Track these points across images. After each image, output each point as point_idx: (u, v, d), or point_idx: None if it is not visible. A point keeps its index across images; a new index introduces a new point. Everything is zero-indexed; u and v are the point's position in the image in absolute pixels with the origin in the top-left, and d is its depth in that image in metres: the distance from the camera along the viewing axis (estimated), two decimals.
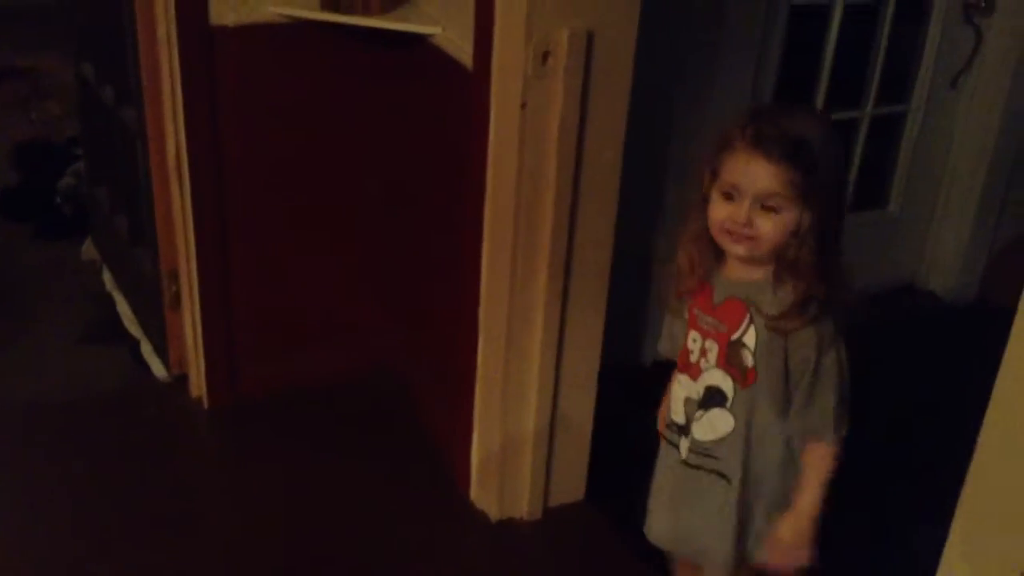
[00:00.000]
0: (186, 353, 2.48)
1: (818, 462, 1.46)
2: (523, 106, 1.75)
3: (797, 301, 1.39)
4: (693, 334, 1.51)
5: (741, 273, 1.45)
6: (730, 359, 1.45)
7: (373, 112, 2.31)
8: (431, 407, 2.39)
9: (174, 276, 2.41)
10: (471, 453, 2.14)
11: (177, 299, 2.43)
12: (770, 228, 1.37)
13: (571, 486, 2.18)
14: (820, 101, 2.70)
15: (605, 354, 2.07)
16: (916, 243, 3.11)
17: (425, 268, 2.36)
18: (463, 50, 1.90)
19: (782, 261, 1.40)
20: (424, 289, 2.38)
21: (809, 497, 1.47)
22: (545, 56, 1.72)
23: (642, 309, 2.62)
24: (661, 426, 1.63)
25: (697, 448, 1.52)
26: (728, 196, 1.39)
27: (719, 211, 1.41)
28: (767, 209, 1.37)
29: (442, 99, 2.12)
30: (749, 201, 1.37)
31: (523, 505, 2.13)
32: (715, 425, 1.49)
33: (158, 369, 2.56)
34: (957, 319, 3.05)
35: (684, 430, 1.54)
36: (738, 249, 1.41)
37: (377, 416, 2.46)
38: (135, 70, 2.27)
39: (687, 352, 1.52)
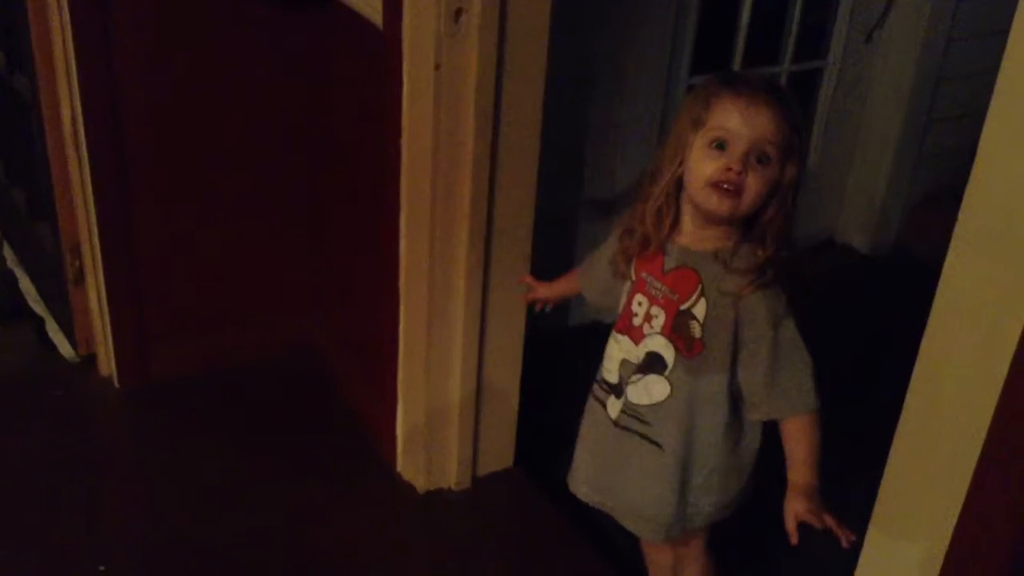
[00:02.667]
0: (93, 331, 2.38)
1: (808, 434, 1.40)
2: (437, 67, 1.69)
3: (753, 265, 1.35)
4: (639, 297, 1.46)
5: (696, 241, 1.41)
6: (676, 328, 1.42)
7: (282, 77, 2.22)
8: (353, 382, 2.34)
9: (76, 251, 2.31)
10: (396, 425, 2.10)
11: (81, 275, 2.33)
12: (757, 184, 1.32)
13: (500, 453, 2.15)
14: (739, 57, 2.68)
15: (530, 319, 2.04)
16: (834, 198, 3.15)
17: (342, 239, 2.30)
18: (373, 7, 1.82)
19: (754, 223, 1.36)
20: (342, 261, 2.32)
21: (809, 469, 1.39)
22: (458, 13, 1.66)
23: (566, 272, 2.60)
24: None
25: (629, 410, 1.49)
26: (719, 146, 1.33)
27: (707, 164, 1.33)
28: (759, 160, 1.32)
29: (353, 61, 2.05)
30: (744, 149, 1.31)
31: (451, 475, 2.10)
32: (650, 391, 1.46)
33: (65, 349, 2.46)
34: (875, 272, 3.10)
35: (615, 390, 1.51)
36: (723, 207, 1.34)
37: (297, 394, 2.39)
38: (25, 34, 2.14)
39: (630, 314, 1.48)
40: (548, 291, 1.82)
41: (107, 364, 2.37)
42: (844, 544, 1.27)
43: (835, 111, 2.96)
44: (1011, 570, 1.00)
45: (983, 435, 0.98)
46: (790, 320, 1.38)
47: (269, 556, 1.95)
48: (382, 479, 2.14)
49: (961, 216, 0.98)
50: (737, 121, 1.31)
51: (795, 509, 1.35)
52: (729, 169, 1.32)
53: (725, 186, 1.32)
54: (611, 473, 1.55)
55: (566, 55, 1.93)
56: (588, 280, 1.66)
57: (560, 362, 2.43)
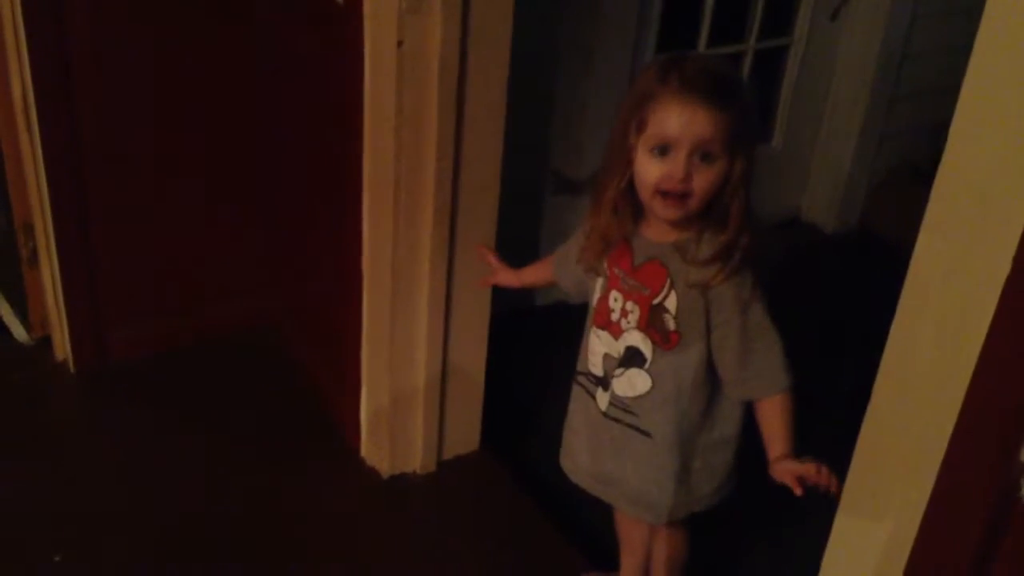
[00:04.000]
0: (48, 314, 2.32)
1: (783, 412, 1.40)
2: (399, 44, 1.65)
3: (718, 253, 1.33)
4: (614, 294, 1.45)
5: (659, 234, 1.39)
6: (651, 322, 1.41)
7: (241, 52, 2.17)
8: (316, 365, 2.30)
9: (29, 230, 2.25)
10: (360, 408, 2.07)
11: (34, 255, 2.27)
12: (705, 182, 1.30)
13: (465, 437, 2.13)
14: (704, 34, 2.67)
15: (496, 300, 2.02)
16: (799, 177, 3.15)
17: (303, 219, 2.25)
18: None
19: (710, 213, 1.34)
20: (303, 241, 2.28)
21: (785, 444, 1.39)
22: None
23: (532, 252, 2.58)
24: None
25: (617, 402, 1.49)
26: (661, 151, 1.30)
27: (651, 171, 1.31)
28: (704, 159, 1.29)
29: (314, 37, 2.00)
30: (686, 152, 1.28)
31: (416, 459, 2.08)
32: (634, 384, 1.46)
33: (19, 332, 2.40)
34: (840, 251, 3.11)
35: (602, 382, 1.51)
36: (670, 213, 1.32)
37: (258, 377, 2.35)
38: None
39: (607, 310, 1.47)
40: (512, 279, 1.76)
41: (62, 347, 2.31)
42: (833, 489, 1.28)
43: (800, 89, 2.96)
44: (982, 551, 0.99)
45: (954, 418, 0.97)
46: (757, 303, 1.37)
47: (229, 542, 1.92)
48: (345, 463, 2.11)
49: (932, 199, 0.97)
50: (674, 126, 1.28)
51: (787, 468, 1.36)
52: (672, 177, 1.29)
53: (671, 192, 1.30)
54: (608, 463, 1.54)
55: (531, 33, 1.89)
56: (563, 273, 1.62)
57: (526, 343, 2.42)
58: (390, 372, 1.97)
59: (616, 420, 1.50)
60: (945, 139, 0.94)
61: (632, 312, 1.43)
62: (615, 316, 1.46)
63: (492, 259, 1.80)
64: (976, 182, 0.91)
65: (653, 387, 1.44)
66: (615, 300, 1.45)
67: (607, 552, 1.82)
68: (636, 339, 1.43)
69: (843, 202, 3.14)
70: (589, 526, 1.94)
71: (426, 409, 2.02)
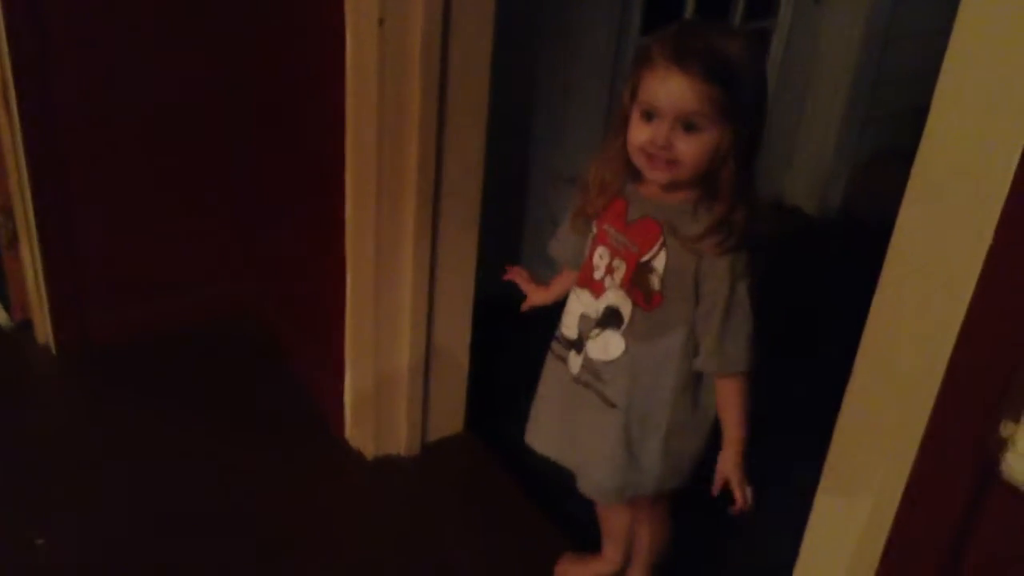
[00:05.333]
0: (28, 297, 2.31)
1: (737, 394, 1.42)
2: (381, 22, 1.63)
3: (715, 223, 1.34)
4: (601, 250, 1.45)
5: (660, 194, 1.39)
6: (636, 281, 1.41)
7: (219, 31, 2.15)
8: (299, 348, 2.29)
9: (8, 213, 2.23)
10: (344, 391, 2.06)
11: (14, 238, 2.25)
12: (691, 150, 1.30)
13: (450, 419, 2.13)
14: (688, 16, 2.65)
15: (481, 283, 2.01)
16: (783, 160, 3.15)
17: (287, 202, 2.24)
18: None
19: (704, 183, 1.35)
20: (287, 224, 2.26)
21: (741, 431, 1.43)
22: None
23: (517, 235, 2.57)
24: None
25: (589, 366, 1.48)
26: (648, 116, 1.32)
27: (638, 133, 1.33)
28: (688, 129, 1.30)
29: (294, 17, 1.98)
30: (669, 121, 1.30)
31: (400, 441, 2.07)
32: (607, 347, 1.45)
33: None
34: (824, 234, 3.12)
35: (575, 345, 1.50)
36: (657, 175, 1.34)
37: (242, 360, 2.34)
38: None
39: (591, 268, 1.47)
40: (545, 296, 1.68)
41: (44, 331, 2.30)
42: (734, 511, 1.41)
43: (784, 72, 2.96)
44: (962, 526, 1.00)
45: (934, 395, 0.98)
46: (745, 281, 1.37)
47: (213, 526, 1.91)
48: (330, 447, 2.11)
49: (913, 174, 0.97)
50: (659, 94, 1.30)
51: (724, 471, 1.44)
52: (654, 143, 1.31)
53: (655, 156, 1.32)
54: (569, 430, 1.54)
55: (513, 14, 1.88)
56: (561, 249, 1.59)
57: (511, 325, 2.42)
58: (374, 355, 1.97)
59: (586, 386, 1.49)
60: None
61: (618, 269, 1.42)
62: (599, 274, 1.45)
63: (520, 279, 1.69)
64: (956, 157, 0.91)
65: (625, 351, 1.43)
66: (600, 257, 1.45)
67: (591, 533, 1.83)
68: (617, 298, 1.43)
69: (826, 185, 3.14)
70: (574, 508, 1.94)
71: (410, 392, 2.02)
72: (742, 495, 1.42)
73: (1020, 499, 0.94)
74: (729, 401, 1.43)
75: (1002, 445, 0.95)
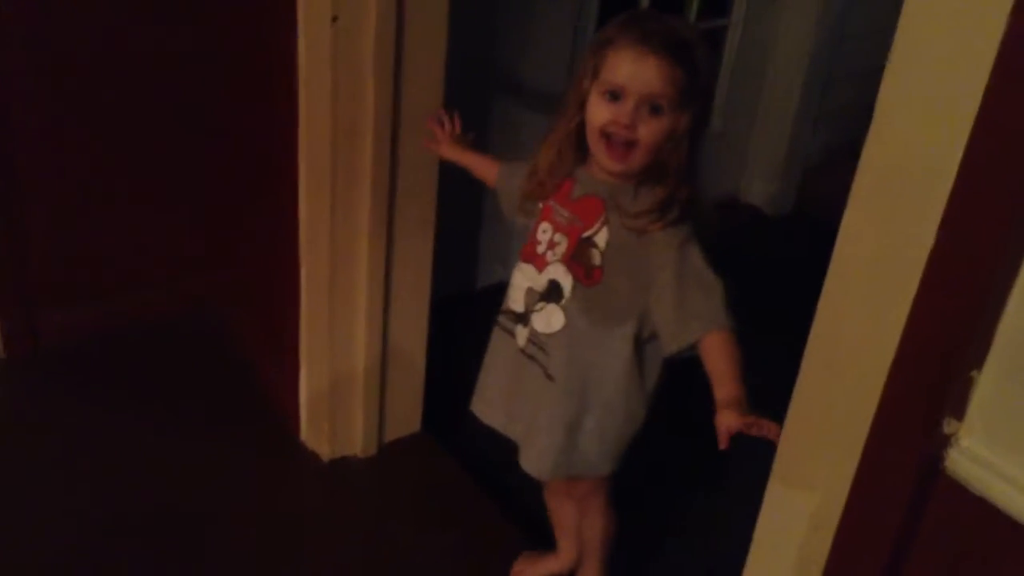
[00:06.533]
0: None
1: (726, 349, 1.33)
2: (334, 20, 1.62)
3: (658, 203, 1.35)
4: (544, 225, 1.47)
5: (601, 172, 1.40)
6: (576, 256, 1.42)
7: (172, 28, 2.12)
8: (255, 347, 2.27)
9: None
10: (299, 392, 2.04)
11: None
12: (651, 133, 1.32)
13: (406, 419, 2.12)
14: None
15: (438, 283, 2.00)
16: (738, 157, 3.18)
17: (241, 199, 2.21)
18: None
19: (652, 164, 1.36)
20: (241, 222, 2.24)
21: (733, 382, 1.31)
22: None
23: (474, 233, 2.57)
24: None
25: (534, 338, 1.50)
26: (612, 96, 1.33)
27: (600, 113, 1.34)
28: (653, 112, 1.32)
29: (246, 14, 1.96)
30: (634, 101, 1.31)
31: (357, 442, 2.06)
32: (550, 320, 1.47)
33: None
34: (777, 232, 3.15)
35: (522, 319, 1.51)
36: (612, 164, 1.35)
37: (197, 360, 2.32)
38: None
39: (535, 243, 1.48)
40: (453, 154, 1.70)
41: None
42: (773, 438, 1.20)
43: (739, 70, 2.98)
44: (908, 519, 1.01)
45: (879, 391, 0.99)
46: (694, 246, 1.37)
47: (166, 528, 1.89)
48: (285, 448, 2.09)
49: (858, 175, 0.98)
50: (626, 75, 1.31)
51: (726, 423, 1.27)
52: (617, 122, 1.32)
53: (615, 136, 1.33)
54: (514, 402, 1.55)
55: (468, 8, 1.88)
56: (503, 189, 1.61)
57: (467, 324, 2.41)
58: (330, 355, 1.95)
59: (531, 358, 1.50)
60: None
61: (559, 244, 1.44)
62: (541, 248, 1.47)
63: (439, 129, 1.72)
64: (900, 158, 0.92)
65: (566, 325, 1.44)
66: (543, 232, 1.47)
67: (548, 531, 1.83)
68: (559, 272, 1.44)
69: (781, 183, 3.17)
70: (530, 506, 1.95)
71: (367, 392, 2.01)
72: (766, 430, 1.23)
73: (964, 494, 0.95)
74: (715, 358, 1.33)
75: (946, 442, 0.96)
